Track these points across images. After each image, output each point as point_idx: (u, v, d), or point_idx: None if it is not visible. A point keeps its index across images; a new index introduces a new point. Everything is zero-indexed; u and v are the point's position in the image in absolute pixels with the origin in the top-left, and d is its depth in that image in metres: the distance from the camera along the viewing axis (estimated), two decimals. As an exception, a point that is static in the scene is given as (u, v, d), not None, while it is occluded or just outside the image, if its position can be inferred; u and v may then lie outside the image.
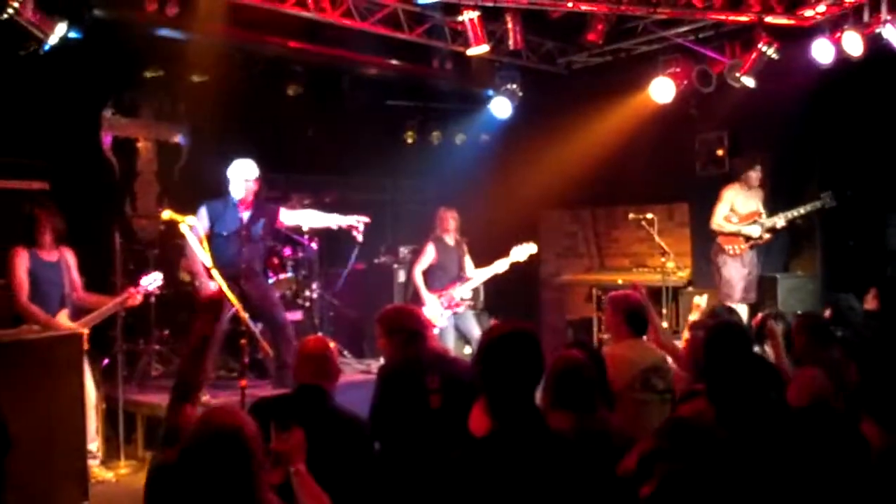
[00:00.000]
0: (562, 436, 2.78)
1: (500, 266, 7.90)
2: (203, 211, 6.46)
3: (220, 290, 4.75)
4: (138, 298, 5.93)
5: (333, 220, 6.91)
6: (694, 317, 6.30)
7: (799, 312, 6.65)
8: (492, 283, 8.32)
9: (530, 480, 2.50)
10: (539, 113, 9.55)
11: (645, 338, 4.82)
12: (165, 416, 3.04)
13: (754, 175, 7.81)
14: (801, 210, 7.69)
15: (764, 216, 7.77)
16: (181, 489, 2.40)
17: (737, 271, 7.80)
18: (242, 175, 6.56)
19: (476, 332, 7.78)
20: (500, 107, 9.11)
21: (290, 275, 8.16)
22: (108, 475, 5.82)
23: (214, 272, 5.71)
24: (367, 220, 6.87)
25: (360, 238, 6.89)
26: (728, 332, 3.74)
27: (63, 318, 5.67)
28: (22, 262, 5.61)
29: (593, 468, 2.66)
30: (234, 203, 6.52)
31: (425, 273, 7.82)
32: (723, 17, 7.66)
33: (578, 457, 2.64)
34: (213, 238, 6.35)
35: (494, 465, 2.53)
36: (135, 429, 6.46)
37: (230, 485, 2.37)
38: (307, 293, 8.27)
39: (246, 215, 6.57)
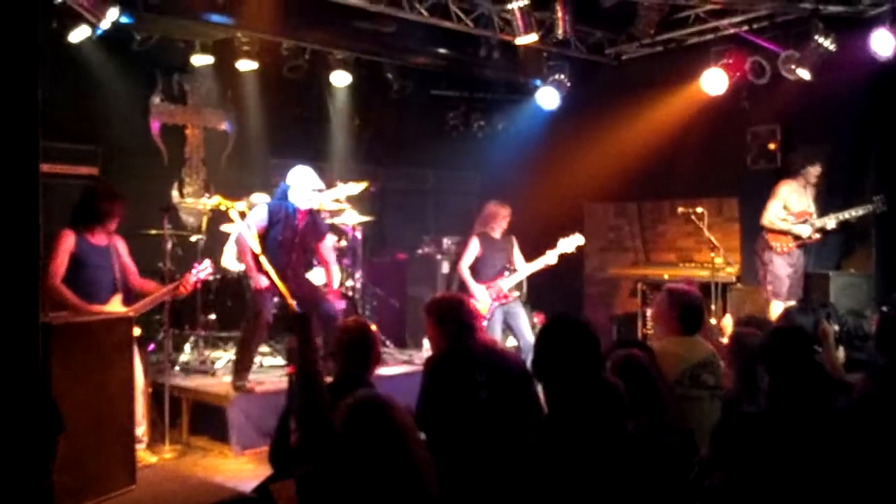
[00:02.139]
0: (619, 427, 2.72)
1: (550, 258, 7.80)
2: (264, 211, 6.45)
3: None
4: (189, 288, 5.95)
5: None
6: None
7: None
8: (535, 277, 8.21)
9: (584, 470, 2.46)
10: (587, 104, 9.42)
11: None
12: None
13: (814, 171, 7.61)
14: (853, 213, 7.49)
15: (815, 216, 7.60)
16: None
17: (783, 268, 7.64)
18: (310, 185, 6.50)
19: (522, 324, 7.71)
20: (548, 97, 9.02)
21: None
22: (153, 459, 5.83)
23: (263, 259, 5.74)
24: None
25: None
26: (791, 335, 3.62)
27: (116, 304, 5.68)
28: (67, 245, 5.49)
29: (650, 457, 2.61)
30: (293, 209, 6.51)
31: (472, 266, 7.76)
32: (778, 7, 7.49)
33: (634, 446, 2.59)
34: (265, 240, 6.38)
35: (551, 456, 2.50)
36: (179, 414, 6.50)
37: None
38: (350, 283, 8.27)
39: (304, 226, 6.58)
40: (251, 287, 6.42)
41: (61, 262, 5.45)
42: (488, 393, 3.88)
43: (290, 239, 6.49)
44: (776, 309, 7.49)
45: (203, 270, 6.10)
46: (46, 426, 2.29)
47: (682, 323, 4.45)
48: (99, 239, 5.68)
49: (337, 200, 8.03)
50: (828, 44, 7.28)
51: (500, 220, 7.82)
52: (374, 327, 4.03)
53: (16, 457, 2.17)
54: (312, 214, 6.69)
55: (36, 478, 2.22)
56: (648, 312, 8.77)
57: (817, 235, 7.61)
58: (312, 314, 6.24)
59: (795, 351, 3.29)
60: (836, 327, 5.16)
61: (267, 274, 5.91)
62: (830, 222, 7.54)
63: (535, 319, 9.09)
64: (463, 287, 7.71)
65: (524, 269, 7.85)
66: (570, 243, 7.79)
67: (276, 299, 6.52)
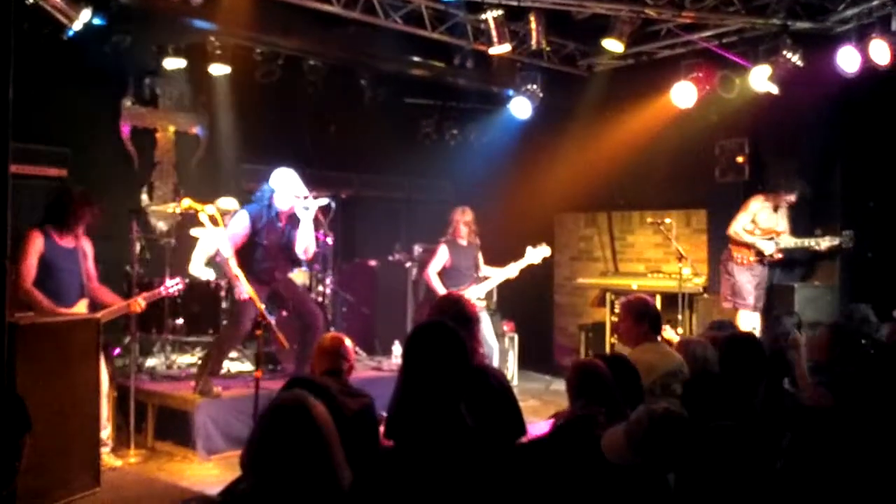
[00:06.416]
0: None
1: (514, 269, 7.84)
2: (245, 218, 6.39)
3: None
4: (141, 305, 5.88)
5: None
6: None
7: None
8: (505, 285, 8.25)
9: None
10: (559, 115, 9.49)
11: (660, 338, 4.80)
12: None
13: (787, 199, 7.73)
14: (820, 243, 7.61)
15: (783, 235, 7.71)
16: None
17: (747, 280, 7.75)
18: (293, 191, 6.41)
19: (485, 329, 7.71)
20: (520, 107, 9.06)
21: (304, 269, 8.12)
22: (118, 463, 5.79)
23: (231, 261, 5.76)
24: None
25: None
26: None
27: (81, 308, 5.62)
28: (36, 246, 5.43)
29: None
30: (275, 213, 6.44)
31: (440, 274, 7.77)
32: (748, 22, 7.60)
33: None
34: (251, 246, 6.35)
35: None
36: (145, 418, 6.44)
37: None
38: (321, 288, 8.25)
39: (287, 228, 6.53)
40: (234, 296, 6.34)
41: (31, 264, 5.40)
42: (468, 413, 3.85)
43: (276, 243, 6.47)
44: (744, 318, 7.60)
45: (174, 286, 6.11)
46: (13, 424, 2.26)
47: (652, 330, 4.64)
48: (67, 241, 5.63)
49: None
50: (796, 59, 7.39)
51: (462, 224, 7.84)
52: (348, 341, 4.14)
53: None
54: (294, 216, 6.63)
55: (2, 478, 2.19)
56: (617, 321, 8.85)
57: (779, 255, 7.73)
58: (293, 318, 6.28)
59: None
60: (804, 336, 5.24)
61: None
62: (794, 244, 7.67)
63: (505, 328, 9.14)
64: (430, 293, 7.73)
65: (492, 278, 7.88)
66: (537, 254, 7.84)
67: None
